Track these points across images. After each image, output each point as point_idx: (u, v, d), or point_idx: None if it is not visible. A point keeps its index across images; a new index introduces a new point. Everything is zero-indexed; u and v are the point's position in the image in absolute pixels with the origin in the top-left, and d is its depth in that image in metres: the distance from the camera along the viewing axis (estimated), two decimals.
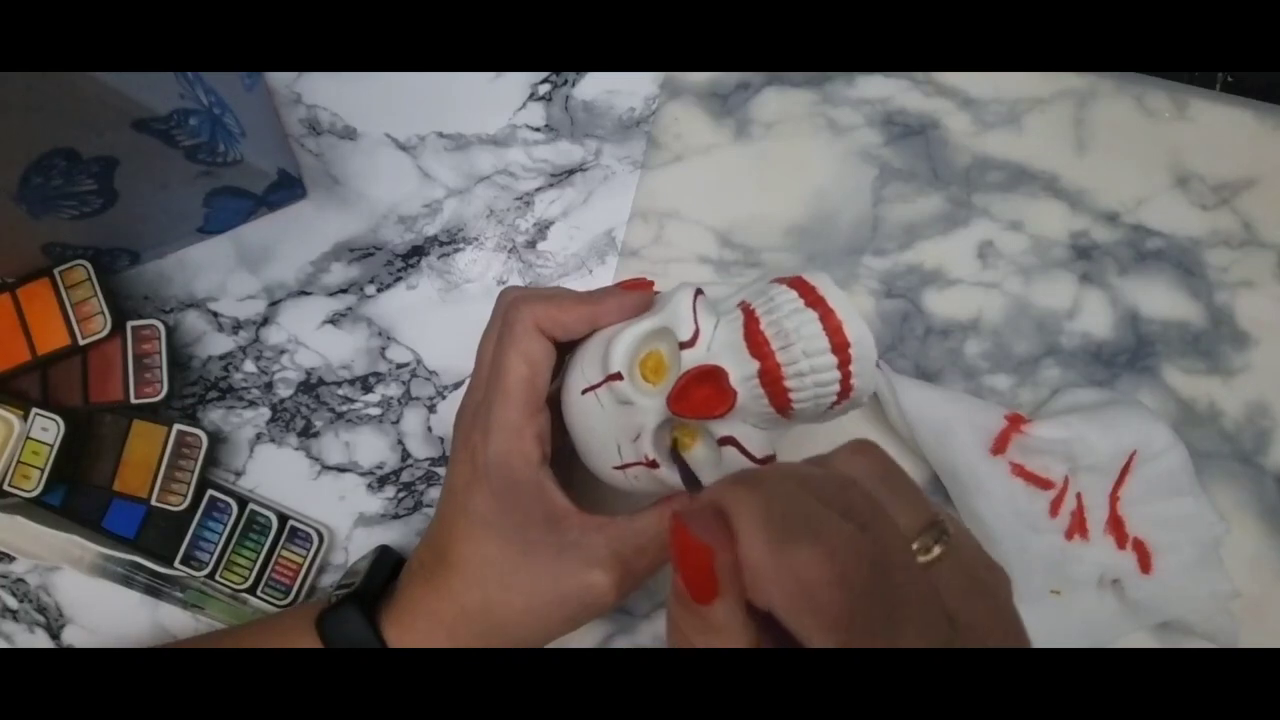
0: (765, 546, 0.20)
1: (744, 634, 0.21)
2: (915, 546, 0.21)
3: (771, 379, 0.28)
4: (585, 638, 0.41)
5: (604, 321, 0.32)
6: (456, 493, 0.32)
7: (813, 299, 0.29)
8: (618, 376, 0.30)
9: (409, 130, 0.43)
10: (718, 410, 0.29)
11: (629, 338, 0.30)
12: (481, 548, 0.31)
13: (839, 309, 0.29)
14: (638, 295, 0.32)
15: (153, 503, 0.39)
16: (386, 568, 0.36)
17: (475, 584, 0.32)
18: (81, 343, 0.39)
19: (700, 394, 0.29)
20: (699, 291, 0.31)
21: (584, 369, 0.32)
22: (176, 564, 0.40)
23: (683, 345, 0.29)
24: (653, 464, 0.31)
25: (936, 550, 0.21)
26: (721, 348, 0.29)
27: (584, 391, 0.31)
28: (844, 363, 0.28)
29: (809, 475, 0.22)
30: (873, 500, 0.21)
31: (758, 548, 0.20)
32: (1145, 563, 0.39)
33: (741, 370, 0.29)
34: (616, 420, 0.31)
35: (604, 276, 0.43)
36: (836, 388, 0.29)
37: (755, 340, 0.28)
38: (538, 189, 0.43)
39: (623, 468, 0.32)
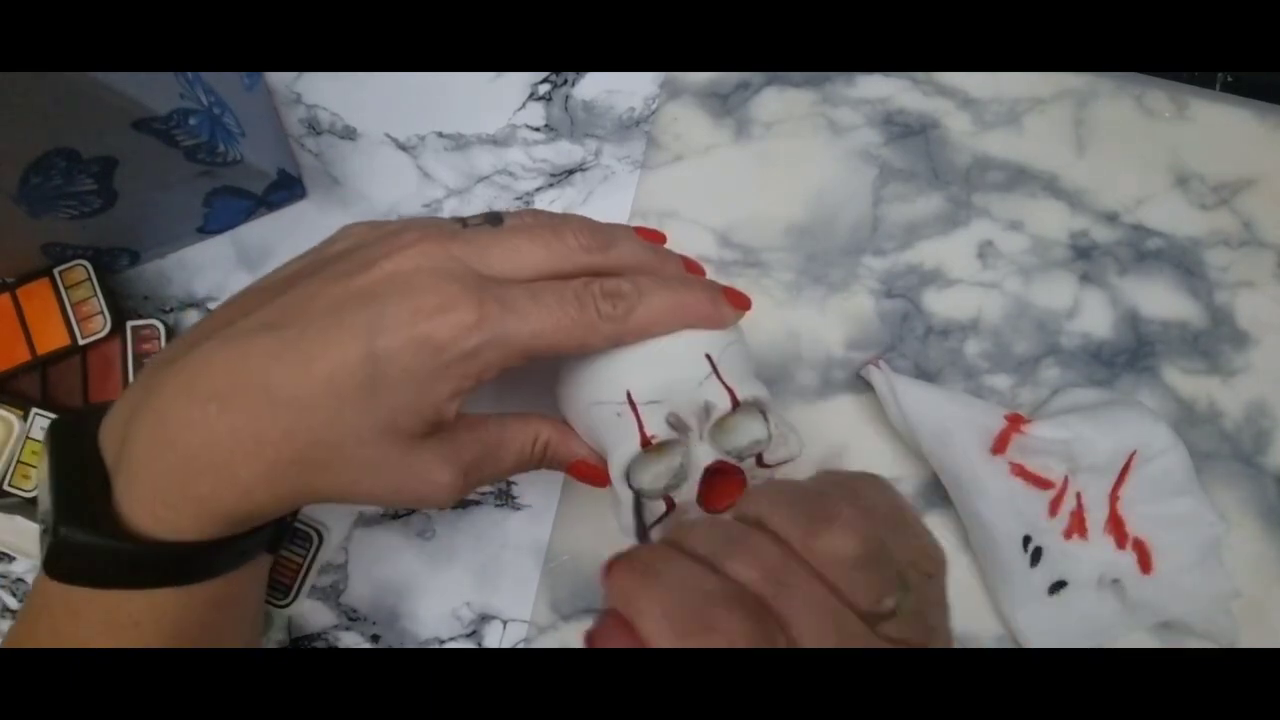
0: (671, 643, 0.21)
1: None
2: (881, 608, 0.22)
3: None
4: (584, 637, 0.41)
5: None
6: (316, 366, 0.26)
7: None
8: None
9: (409, 130, 0.43)
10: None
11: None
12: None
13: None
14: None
15: None
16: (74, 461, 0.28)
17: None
18: (81, 343, 0.39)
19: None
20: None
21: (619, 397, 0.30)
22: None
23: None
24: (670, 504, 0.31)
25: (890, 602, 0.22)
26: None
27: (619, 414, 0.30)
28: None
29: (703, 574, 0.22)
30: (778, 582, 0.22)
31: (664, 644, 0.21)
32: (1145, 562, 0.39)
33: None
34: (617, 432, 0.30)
35: None
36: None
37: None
38: (537, 189, 0.43)
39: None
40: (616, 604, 0.22)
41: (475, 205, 0.43)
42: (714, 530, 0.23)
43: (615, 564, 0.23)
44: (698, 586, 0.21)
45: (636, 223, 0.43)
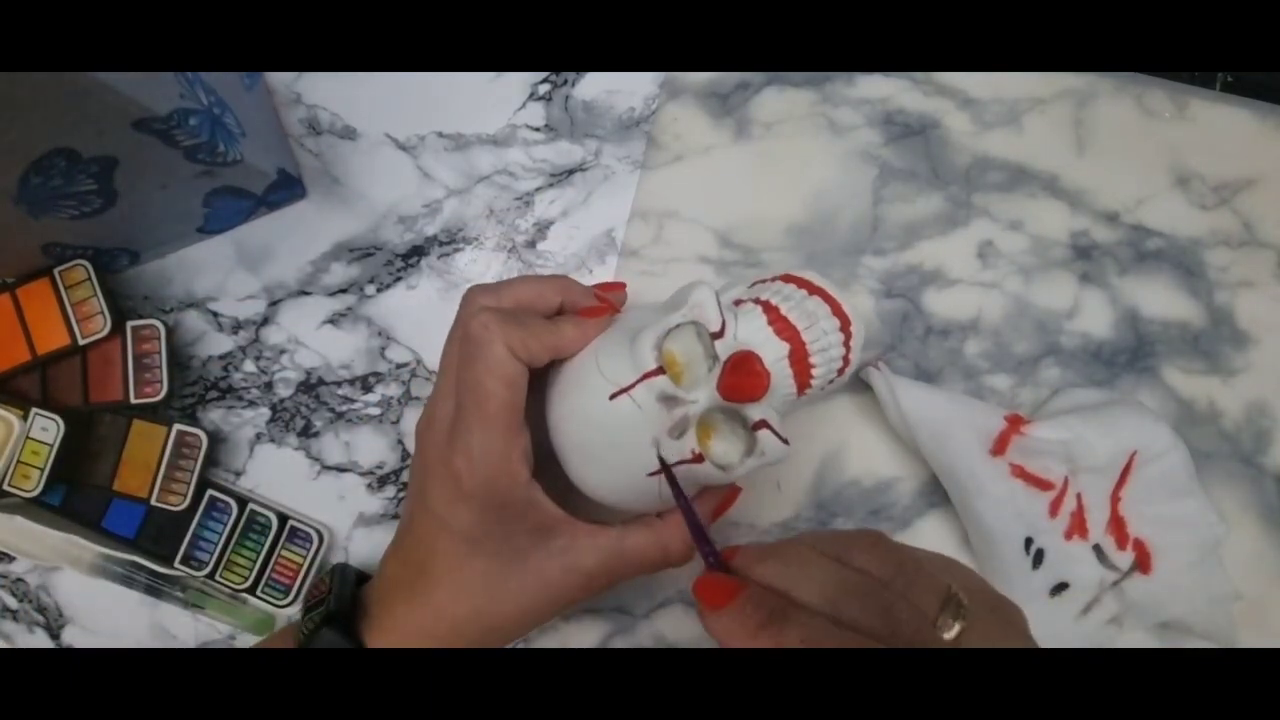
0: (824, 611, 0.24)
1: None
2: (937, 625, 0.24)
3: (799, 357, 0.32)
4: (585, 638, 0.41)
5: (568, 352, 0.33)
6: (435, 509, 0.32)
7: (812, 289, 0.33)
8: (659, 371, 0.30)
9: (409, 130, 0.43)
10: (761, 391, 0.31)
11: (657, 333, 0.31)
12: (468, 562, 0.32)
13: (834, 294, 0.33)
14: (598, 322, 0.33)
15: (152, 503, 0.39)
16: (350, 585, 0.35)
17: (464, 597, 0.32)
18: (81, 343, 0.39)
19: (744, 378, 0.31)
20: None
21: (603, 374, 0.31)
22: (176, 564, 0.40)
23: (714, 336, 0.31)
24: (699, 458, 0.31)
25: (956, 627, 0.24)
26: (748, 336, 0.32)
27: (613, 396, 0.31)
28: (847, 338, 0.33)
29: (837, 567, 0.26)
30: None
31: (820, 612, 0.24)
32: (1145, 563, 0.39)
33: (773, 353, 0.32)
34: (657, 419, 0.31)
35: (604, 276, 0.43)
36: (840, 363, 0.33)
37: (781, 325, 0.32)
38: (538, 189, 0.43)
39: (657, 473, 0.31)
40: (774, 583, 0.26)
41: (475, 205, 0.43)
42: (826, 540, 0.28)
43: (763, 555, 0.27)
44: (836, 573, 0.26)
45: (636, 222, 0.43)
